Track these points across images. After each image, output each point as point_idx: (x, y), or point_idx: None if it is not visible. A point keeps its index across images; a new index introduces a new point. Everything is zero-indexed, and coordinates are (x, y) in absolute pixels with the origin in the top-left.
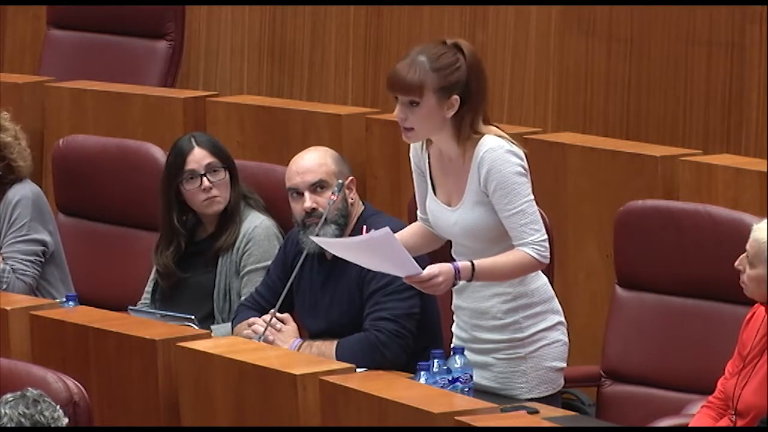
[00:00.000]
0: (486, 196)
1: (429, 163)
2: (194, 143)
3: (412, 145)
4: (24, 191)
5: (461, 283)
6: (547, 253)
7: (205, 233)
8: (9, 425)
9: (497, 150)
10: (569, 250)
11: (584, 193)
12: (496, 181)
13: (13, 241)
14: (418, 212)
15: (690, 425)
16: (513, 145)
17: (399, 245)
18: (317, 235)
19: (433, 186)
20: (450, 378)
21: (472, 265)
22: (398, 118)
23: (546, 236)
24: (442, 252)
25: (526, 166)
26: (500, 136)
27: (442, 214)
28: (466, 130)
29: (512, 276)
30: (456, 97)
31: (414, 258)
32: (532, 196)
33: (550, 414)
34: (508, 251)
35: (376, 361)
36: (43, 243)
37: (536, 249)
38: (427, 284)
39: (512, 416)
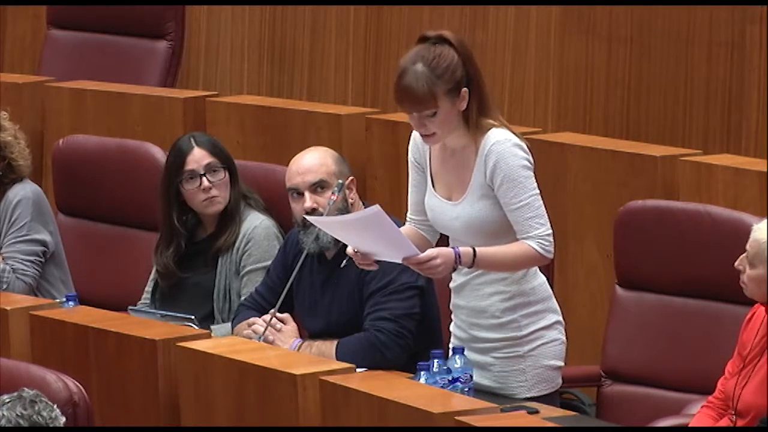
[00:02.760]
0: (491, 189)
1: (430, 157)
2: (194, 143)
3: (411, 140)
4: (24, 191)
5: (462, 269)
6: (551, 248)
7: (205, 233)
8: (7, 426)
9: (504, 143)
10: (569, 250)
11: (584, 193)
12: (502, 174)
13: (13, 241)
14: (408, 213)
15: (690, 425)
16: (519, 139)
17: (390, 223)
18: (317, 237)
19: (432, 181)
20: (450, 378)
21: (474, 251)
22: (417, 130)
23: (551, 231)
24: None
25: (532, 161)
26: (506, 128)
27: (442, 209)
28: (473, 116)
29: (514, 268)
30: (465, 89)
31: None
32: (538, 191)
33: (550, 414)
34: (512, 243)
35: (376, 361)
36: (43, 243)
37: (540, 243)
38: (425, 266)
39: (512, 416)
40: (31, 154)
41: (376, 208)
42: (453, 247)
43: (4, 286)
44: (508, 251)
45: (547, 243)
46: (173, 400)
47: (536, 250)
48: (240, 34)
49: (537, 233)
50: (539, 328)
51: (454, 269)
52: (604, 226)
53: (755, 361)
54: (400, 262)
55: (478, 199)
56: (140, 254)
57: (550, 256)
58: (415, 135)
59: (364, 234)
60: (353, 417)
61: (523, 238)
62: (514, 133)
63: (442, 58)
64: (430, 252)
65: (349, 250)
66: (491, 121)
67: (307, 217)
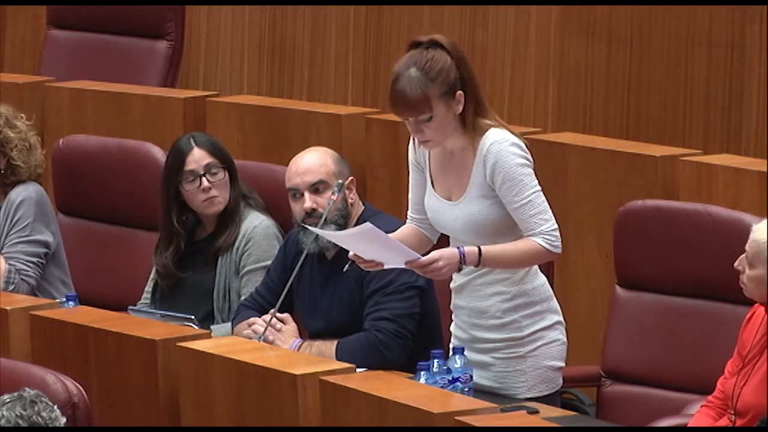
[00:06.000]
0: (492, 189)
1: (429, 158)
2: (193, 143)
3: (411, 140)
4: (27, 191)
5: (467, 268)
6: (559, 242)
7: (204, 233)
8: (6, 426)
9: (502, 143)
10: (569, 250)
11: (584, 193)
12: (502, 174)
13: (16, 241)
14: (409, 212)
15: (689, 425)
16: (517, 138)
17: (385, 235)
18: (317, 237)
19: (432, 182)
20: (450, 378)
21: (479, 249)
22: (414, 135)
23: (556, 226)
24: (441, 247)
25: (531, 158)
26: (504, 128)
27: (442, 210)
28: (470, 118)
29: (522, 265)
30: (459, 92)
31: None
32: (539, 187)
33: (550, 414)
34: (518, 240)
35: (376, 361)
36: (45, 244)
37: (546, 239)
38: (428, 269)
39: (512, 416)
40: (42, 163)
41: (368, 225)
42: (457, 247)
43: (11, 287)
44: (513, 248)
45: (553, 238)
46: (173, 400)
47: (543, 246)
48: (240, 34)
49: (542, 229)
50: (540, 329)
51: (459, 269)
52: (604, 226)
53: (755, 361)
54: (403, 266)
55: (477, 199)
56: (140, 254)
57: (558, 250)
58: None
59: (363, 244)
60: (353, 417)
61: (529, 236)
62: (512, 133)
63: (435, 62)
64: (433, 255)
65: (351, 254)
66: (489, 122)
67: (312, 229)
